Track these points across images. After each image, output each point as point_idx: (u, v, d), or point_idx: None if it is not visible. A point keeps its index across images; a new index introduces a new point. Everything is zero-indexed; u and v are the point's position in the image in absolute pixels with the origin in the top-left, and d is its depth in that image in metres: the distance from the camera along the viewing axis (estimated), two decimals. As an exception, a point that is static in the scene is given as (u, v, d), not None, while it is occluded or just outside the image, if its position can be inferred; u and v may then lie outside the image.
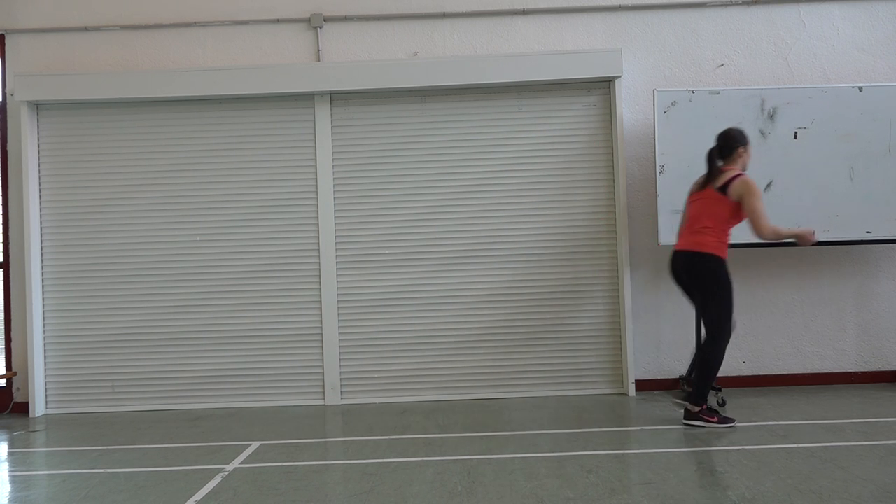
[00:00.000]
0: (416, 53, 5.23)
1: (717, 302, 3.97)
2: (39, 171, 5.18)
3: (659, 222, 4.78)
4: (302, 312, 5.12)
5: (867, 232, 4.82)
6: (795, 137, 4.81)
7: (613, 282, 5.10)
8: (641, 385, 5.09)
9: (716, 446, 3.66)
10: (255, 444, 4.02)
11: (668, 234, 4.78)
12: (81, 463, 3.77)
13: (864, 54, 5.21)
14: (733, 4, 5.22)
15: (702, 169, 4.76)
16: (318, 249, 5.12)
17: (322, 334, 5.10)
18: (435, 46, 5.23)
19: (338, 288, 5.11)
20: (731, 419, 4.03)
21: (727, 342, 3.99)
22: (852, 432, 3.81)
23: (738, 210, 3.97)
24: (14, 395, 5.20)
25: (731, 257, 5.11)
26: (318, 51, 5.21)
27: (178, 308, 5.14)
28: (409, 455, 3.66)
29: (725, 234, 4.03)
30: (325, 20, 5.22)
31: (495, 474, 3.31)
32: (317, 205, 5.13)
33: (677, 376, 5.11)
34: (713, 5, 5.22)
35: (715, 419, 4.00)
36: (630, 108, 5.17)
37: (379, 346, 5.11)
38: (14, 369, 5.20)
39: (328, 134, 5.12)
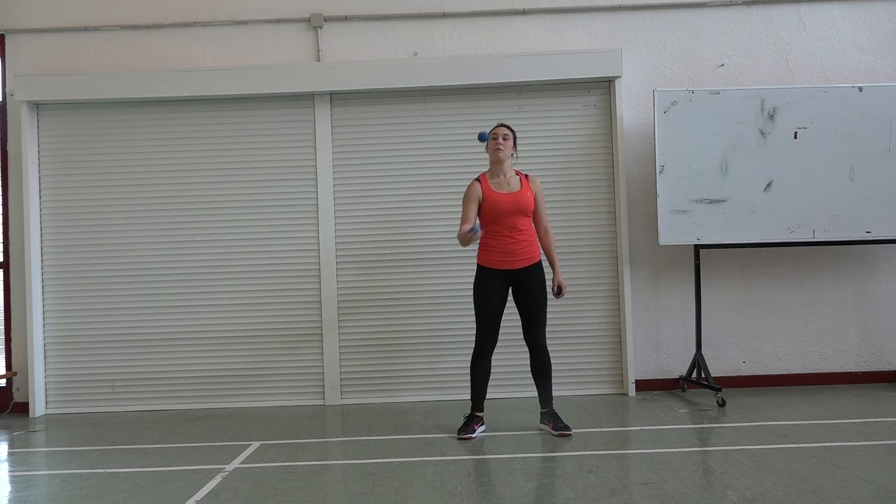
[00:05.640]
0: (416, 53, 5.23)
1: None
2: (39, 171, 5.18)
3: (659, 222, 4.78)
4: (302, 312, 5.12)
5: (867, 232, 4.82)
6: (795, 137, 4.81)
7: (613, 282, 5.10)
8: (641, 385, 5.09)
9: (716, 446, 3.66)
10: (255, 444, 4.02)
11: (669, 234, 4.78)
12: (81, 463, 3.77)
13: (864, 54, 5.21)
14: (733, 4, 5.22)
15: (701, 168, 4.78)
16: (318, 249, 5.12)
17: (322, 334, 5.10)
18: (435, 46, 5.23)
19: (338, 288, 5.11)
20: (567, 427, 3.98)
21: (478, 353, 4.09)
22: (852, 432, 3.81)
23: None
24: (14, 395, 5.20)
25: (729, 256, 5.13)
26: (318, 51, 5.21)
27: (178, 308, 5.14)
28: (409, 455, 3.66)
29: (488, 241, 4.08)
30: (325, 20, 5.22)
31: (495, 474, 3.31)
32: (317, 205, 5.13)
33: (677, 376, 5.11)
34: (713, 5, 5.22)
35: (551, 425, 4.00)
36: (630, 108, 5.17)
37: (379, 346, 5.11)
38: (14, 369, 5.20)
39: (328, 134, 5.12)
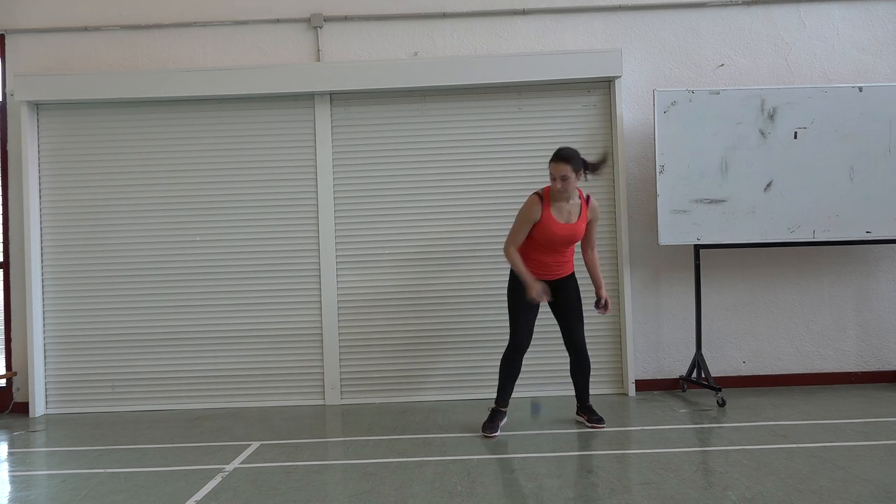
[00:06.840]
0: (416, 53, 5.23)
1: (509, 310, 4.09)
2: (39, 171, 5.18)
3: (659, 222, 4.78)
4: (302, 312, 5.12)
5: (867, 232, 4.82)
6: (795, 137, 4.81)
7: (613, 282, 5.09)
8: (641, 385, 5.09)
9: (716, 446, 3.66)
10: (255, 444, 4.02)
11: (669, 234, 4.78)
12: (81, 463, 3.77)
13: (864, 54, 5.21)
14: (733, 4, 5.22)
15: (701, 168, 4.78)
16: (318, 249, 5.12)
17: (322, 334, 5.10)
18: (435, 46, 5.23)
19: (338, 288, 5.11)
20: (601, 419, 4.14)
21: (512, 351, 4.07)
22: (852, 432, 3.81)
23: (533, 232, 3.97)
24: (14, 395, 5.20)
25: (729, 256, 5.13)
26: (318, 51, 5.21)
27: (178, 308, 5.14)
28: (409, 455, 3.66)
29: (528, 252, 4.01)
30: (325, 20, 5.22)
31: (495, 474, 3.31)
32: (317, 205, 5.13)
33: (677, 376, 5.11)
34: (713, 5, 5.22)
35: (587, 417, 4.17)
36: (630, 108, 5.17)
37: (379, 346, 5.11)
38: (14, 369, 5.20)
39: (328, 134, 5.12)
